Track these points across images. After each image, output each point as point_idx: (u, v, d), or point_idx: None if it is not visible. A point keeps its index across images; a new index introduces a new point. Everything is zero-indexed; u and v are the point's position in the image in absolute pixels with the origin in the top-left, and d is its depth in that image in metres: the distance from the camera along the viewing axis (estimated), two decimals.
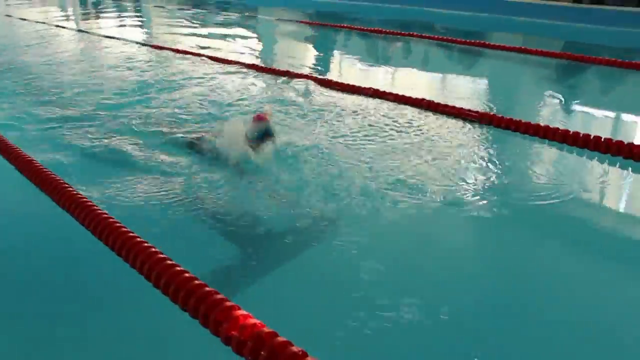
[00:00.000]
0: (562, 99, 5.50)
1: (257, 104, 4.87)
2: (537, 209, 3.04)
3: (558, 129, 4.12)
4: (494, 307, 2.29)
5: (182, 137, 3.98)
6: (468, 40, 8.50)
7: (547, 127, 4.16)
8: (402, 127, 4.35)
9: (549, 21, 10.84)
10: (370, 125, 4.37)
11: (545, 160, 4.00)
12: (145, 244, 2.40)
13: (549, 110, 5.29)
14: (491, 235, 2.93)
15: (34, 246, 2.74)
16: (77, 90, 5.44)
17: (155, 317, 2.19)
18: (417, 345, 2.04)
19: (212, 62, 6.91)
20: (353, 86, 5.55)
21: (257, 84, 5.79)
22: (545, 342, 2.05)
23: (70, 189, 2.99)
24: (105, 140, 3.93)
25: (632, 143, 3.81)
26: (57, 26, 10.96)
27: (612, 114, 5.34)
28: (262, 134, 3.42)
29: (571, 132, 4.03)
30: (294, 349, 1.78)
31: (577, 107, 5.57)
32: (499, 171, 3.55)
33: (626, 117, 5.29)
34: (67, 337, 2.09)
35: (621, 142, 3.84)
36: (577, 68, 7.03)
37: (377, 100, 5.14)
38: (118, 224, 2.58)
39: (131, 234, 2.49)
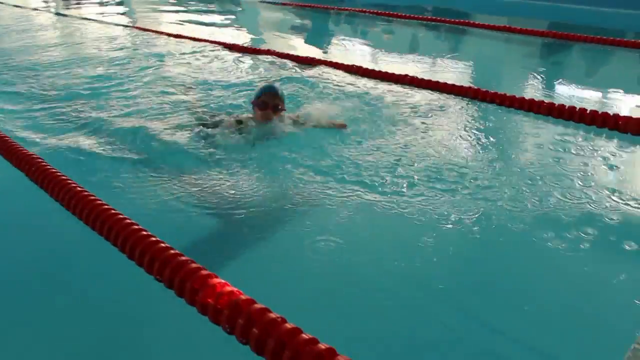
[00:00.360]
0: (547, 74, 5.48)
1: (253, 85, 4.74)
2: (521, 181, 2.99)
3: (543, 101, 4.08)
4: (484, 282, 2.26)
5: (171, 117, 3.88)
6: (459, 20, 8.43)
7: (532, 100, 4.12)
8: (389, 103, 4.29)
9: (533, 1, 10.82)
10: (360, 101, 4.29)
11: (531, 133, 3.96)
12: (120, 216, 2.32)
13: (534, 85, 5.25)
14: (478, 211, 2.84)
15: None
16: (57, 75, 5.28)
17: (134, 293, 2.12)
18: (393, 315, 2.00)
19: (198, 43, 6.78)
20: (337, 63, 5.47)
21: (244, 65, 5.65)
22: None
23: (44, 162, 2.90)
24: (87, 121, 3.83)
25: (618, 114, 3.79)
26: (35, 9, 10.70)
27: (596, 88, 5.33)
28: (266, 90, 3.52)
29: (556, 105, 4.00)
30: (272, 315, 1.72)
31: (561, 82, 5.54)
32: (484, 144, 3.51)
33: (610, 91, 5.27)
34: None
35: (607, 113, 3.82)
36: (561, 46, 7.01)
37: (363, 78, 5.06)
38: (92, 197, 2.50)
39: (106, 206, 2.40)
